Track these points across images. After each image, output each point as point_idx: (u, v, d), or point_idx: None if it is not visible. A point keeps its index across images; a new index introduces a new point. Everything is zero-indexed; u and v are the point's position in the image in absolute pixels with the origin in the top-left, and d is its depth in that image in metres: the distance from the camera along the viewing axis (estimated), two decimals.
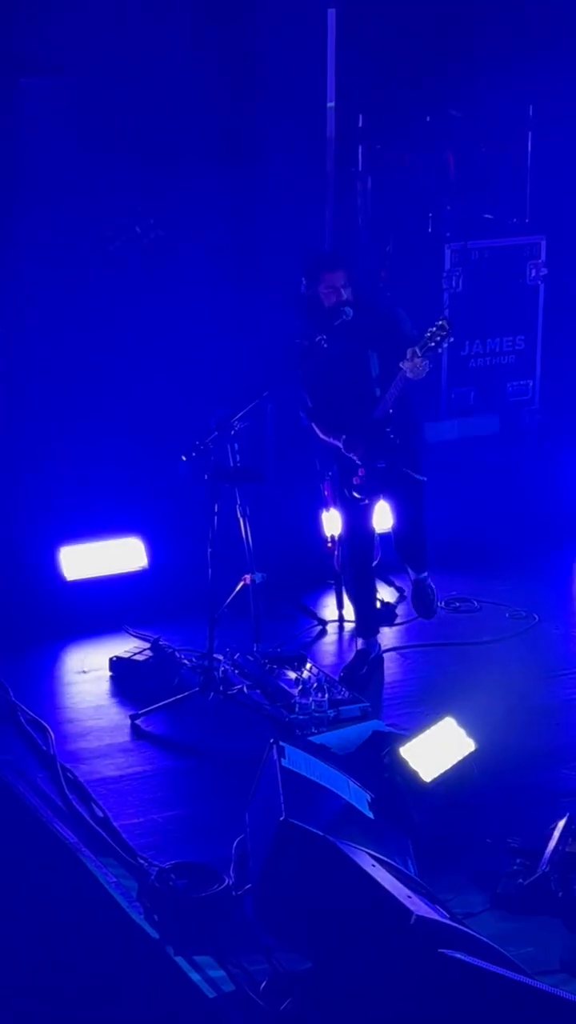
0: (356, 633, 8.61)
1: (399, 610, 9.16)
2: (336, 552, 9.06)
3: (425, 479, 8.23)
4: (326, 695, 7.69)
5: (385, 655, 8.58)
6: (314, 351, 8.03)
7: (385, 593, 9.21)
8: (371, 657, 8.44)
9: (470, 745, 6.86)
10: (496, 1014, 4.96)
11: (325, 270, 8.02)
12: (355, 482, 8.14)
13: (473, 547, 9.86)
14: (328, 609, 9.17)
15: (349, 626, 8.93)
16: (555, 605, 9.30)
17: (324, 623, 9.06)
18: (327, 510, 9.09)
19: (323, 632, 9.00)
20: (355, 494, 8.19)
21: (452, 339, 7.91)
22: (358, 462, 8.05)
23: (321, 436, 8.23)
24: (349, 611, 8.85)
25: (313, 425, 8.25)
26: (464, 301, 10.79)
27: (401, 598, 9.28)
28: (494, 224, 11.14)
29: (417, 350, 7.67)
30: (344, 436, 8.06)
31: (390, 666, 8.56)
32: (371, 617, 8.57)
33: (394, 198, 10.84)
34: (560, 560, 9.99)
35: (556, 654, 8.66)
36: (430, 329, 7.71)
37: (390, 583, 9.35)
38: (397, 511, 8.32)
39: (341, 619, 9.04)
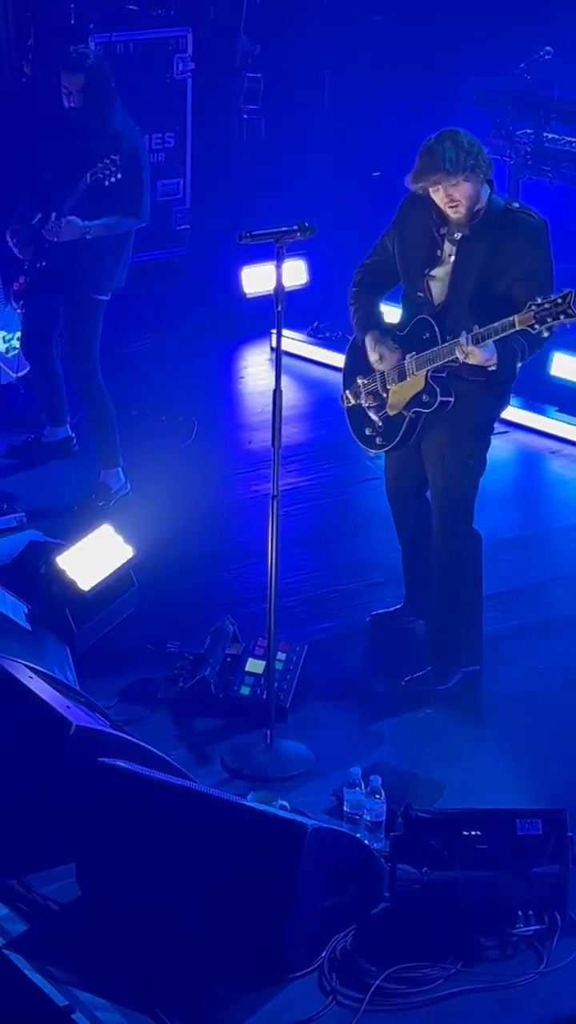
0: None
1: None
2: None
3: (106, 298, 7.93)
4: None
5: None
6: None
7: None
8: None
9: (128, 552, 6.81)
10: (156, 818, 5.01)
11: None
12: (15, 287, 7.91)
13: (127, 350, 9.73)
14: None
15: None
16: (213, 406, 9.26)
17: None
18: None
19: None
20: (13, 303, 7.96)
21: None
22: (20, 255, 7.79)
23: None
24: None
25: None
26: None
27: None
28: (139, 15, 10.83)
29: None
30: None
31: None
32: None
33: None
34: (218, 359, 9.95)
35: (214, 457, 8.64)
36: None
37: None
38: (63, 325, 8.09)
39: None
